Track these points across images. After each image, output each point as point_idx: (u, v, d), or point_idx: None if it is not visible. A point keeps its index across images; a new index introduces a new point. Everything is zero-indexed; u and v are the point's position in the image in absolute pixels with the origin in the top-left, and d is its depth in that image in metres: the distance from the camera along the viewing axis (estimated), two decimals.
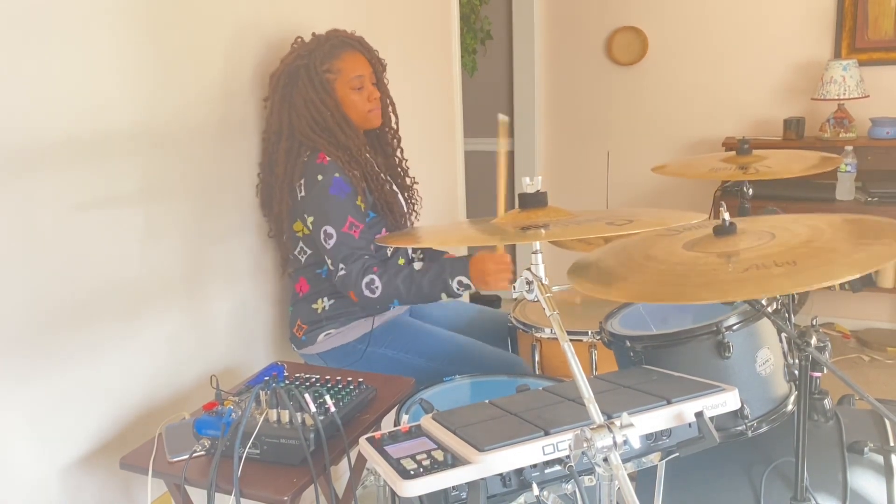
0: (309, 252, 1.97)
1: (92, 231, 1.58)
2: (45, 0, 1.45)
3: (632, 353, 1.57)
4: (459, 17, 3.25)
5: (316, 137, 1.90)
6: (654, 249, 1.40)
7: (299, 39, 2.00)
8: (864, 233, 1.28)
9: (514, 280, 1.80)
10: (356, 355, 1.99)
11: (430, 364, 1.96)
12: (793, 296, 1.76)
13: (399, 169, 2.16)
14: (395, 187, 2.09)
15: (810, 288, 1.09)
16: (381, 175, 2.01)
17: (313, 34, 2.00)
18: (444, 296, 1.83)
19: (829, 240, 1.25)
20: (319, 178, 1.86)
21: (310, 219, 1.89)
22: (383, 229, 1.97)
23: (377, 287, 1.83)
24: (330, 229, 1.85)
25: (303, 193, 1.89)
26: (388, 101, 2.09)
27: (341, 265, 1.85)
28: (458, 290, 1.82)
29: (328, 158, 1.88)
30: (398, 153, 2.16)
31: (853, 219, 1.37)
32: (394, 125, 2.13)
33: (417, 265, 1.90)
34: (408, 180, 2.17)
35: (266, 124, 2.01)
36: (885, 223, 1.30)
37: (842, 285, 3.82)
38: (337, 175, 1.87)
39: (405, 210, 2.10)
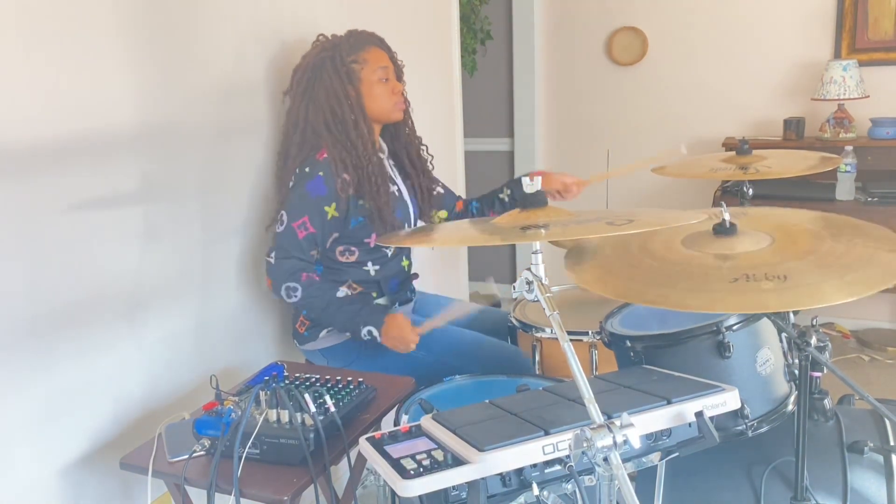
0: None
1: (92, 231, 1.58)
2: (47, 0, 1.45)
3: (632, 353, 1.57)
4: (459, 17, 3.25)
5: (327, 134, 1.90)
6: (652, 242, 1.39)
7: (321, 37, 2.01)
8: (865, 236, 1.28)
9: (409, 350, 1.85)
10: (356, 350, 1.99)
11: (430, 356, 1.96)
12: None
13: (423, 172, 2.15)
14: (403, 192, 2.09)
15: (795, 308, 1.07)
16: (382, 178, 1.98)
17: (333, 35, 2.01)
18: (349, 335, 1.93)
19: (826, 254, 1.24)
20: (307, 169, 1.87)
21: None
22: (373, 234, 1.96)
23: (296, 296, 1.86)
24: (284, 216, 1.86)
25: (292, 183, 1.90)
26: (406, 103, 2.10)
27: (273, 254, 1.86)
28: (364, 336, 1.87)
29: (326, 155, 1.88)
30: (422, 152, 2.16)
31: (857, 224, 1.37)
32: (412, 125, 2.14)
33: (341, 293, 1.95)
34: (429, 182, 2.17)
35: (286, 117, 2.00)
36: (884, 233, 1.29)
37: None
38: (321, 174, 1.86)
39: (408, 214, 2.09)
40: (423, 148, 2.18)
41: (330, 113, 1.91)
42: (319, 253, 1.94)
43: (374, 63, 1.95)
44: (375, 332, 1.85)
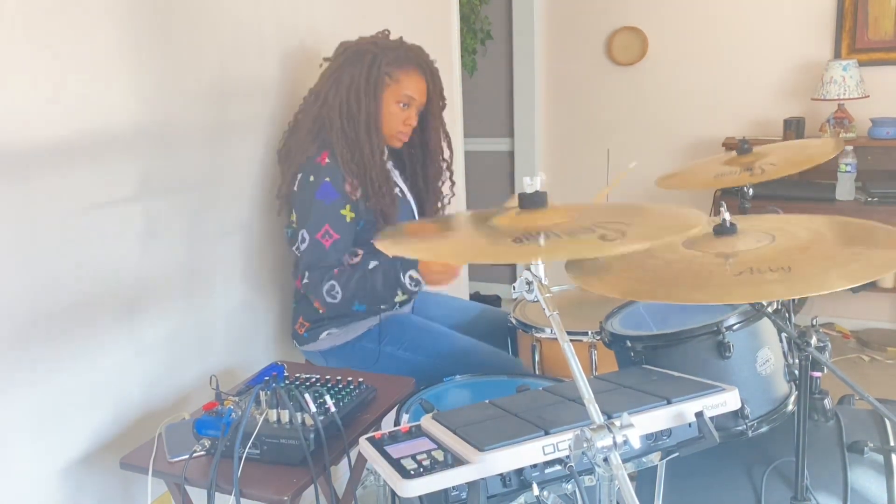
0: None
1: (92, 231, 1.58)
2: (46, 0, 1.45)
3: (632, 353, 1.57)
4: (459, 17, 3.25)
5: (338, 120, 1.89)
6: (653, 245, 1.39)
7: (386, 31, 2.01)
8: (865, 239, 1.28)
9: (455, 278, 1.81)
10: (357, 353, 1.99)
11: (430, 362, 1.96)
12: None
13: (438, 199, 2.15)
14: (406, 192, 2.08)
15: (802, 295, 1.09)
16: (386, 181, 1.97)
17: (401, 38, 2.00)
18: (399, 293, 1.82)
19: (830, 246, 1.25)
20: (311, 178, 1.86)
21: (293, 216, 1.90)
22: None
23: (337, 292, 1.82)
24: (305, 234, 1.85)
25: (295, 189, 1.89)
26: (444, 134, 2.09)
27: (306, 272, 1.85)
28: (410, 285, 1.80)
29: (327, 160, 1.87)
30: (445, 187, 2.15)
31: (857, 223, 1.37)
32: (447, 157, 2.12)
33: (372, 264, 1.88)
34: (440, 213, 2.16)
35: (317, 81, 1.99)
36: (885, 231, 1.30)
37: None
38: (327, 179, 1.85)
39: (412, 215, 2.08)
40: (451, 183, 2.15)
41: (346, 104, 1.90)
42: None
43: (403, 88, 1.93)
44: (417, 275, 1.80)
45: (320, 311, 1.90)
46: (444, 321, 2.20)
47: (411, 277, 1.80)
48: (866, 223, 1.36)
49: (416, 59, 1.96)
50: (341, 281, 1.82)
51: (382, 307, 1.93)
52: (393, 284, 1.82)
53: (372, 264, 1.88)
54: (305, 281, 1.85)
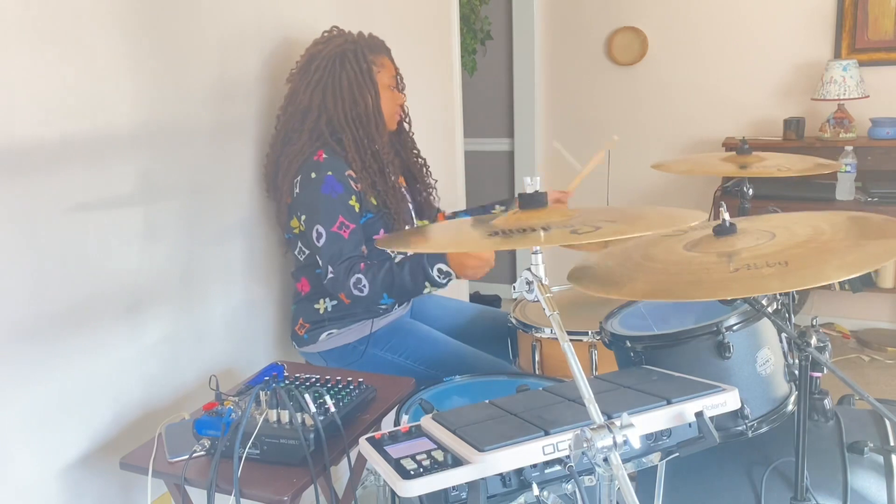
0: (307, 252, 1.97)
1: (91, 231, 1.58)
2: (47, 1, 1.45)
3: (632, 354, 1.57)
4: (459, 17, 3.25)
5: (347, 126, 1.90)
6: (654, 248, 1.40)
7: (335, 29, 2.02)
8: (866, 232, 1.28)
9: (491, 268, 1.82)
10: (356, 356, 1.99)
11: (427, 371, 1.97)
12: (793, 296, 1.76)
13: (424, 169, 2.17)
14: (404, 191, 2.09)
15: (799, 288, 1.09)
16: (396, 175, 2.00)
17: (350, 31, 2.02)
18: (427, 286, 1.81)
19: (828, 240, 1.25)
20: (313, 175, 1.86)
21: (303, 217, 1.89)
22: (381, 230, 1.97)
23: (365, 286, 1.81)
24: (321, 229, 1.85)
25: (297, 191, 1.89)
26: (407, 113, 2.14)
27: (329, 267, 1.84)
28: (439, 277, 1.80)
29: (325, 156, 1.87)
30: (415, 152, 2.17)
31: (858, 217, 1.37)
32: (407, 129, 2.16)
33: (399, 257, 1.88)
34: (430, 181, 2.18)
35: (287, 101, 1.98)
36: (888, 222, 1.30)
37: (842, 285, 3.79)
38: (329, 173, 1.86)
39: (409, 213, 2.09)
40: (422, 160, 2.18)
41: (352, 104, 1.90)
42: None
43: (388, 71, 1.99)
44: (446, 267, 1.79)
45: (346, 303, 1.89)
46: (442, 322, 2.20)
47: (440, 270, 1.79)
48: (874, 217, 1.36)
49: (380, 44, 2.01)
50: (368, 276, 1.81)
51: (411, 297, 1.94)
52: (421, 279, 1.80)
53: (399, 258, 1.88)
54: (330, 276, 1.83)
